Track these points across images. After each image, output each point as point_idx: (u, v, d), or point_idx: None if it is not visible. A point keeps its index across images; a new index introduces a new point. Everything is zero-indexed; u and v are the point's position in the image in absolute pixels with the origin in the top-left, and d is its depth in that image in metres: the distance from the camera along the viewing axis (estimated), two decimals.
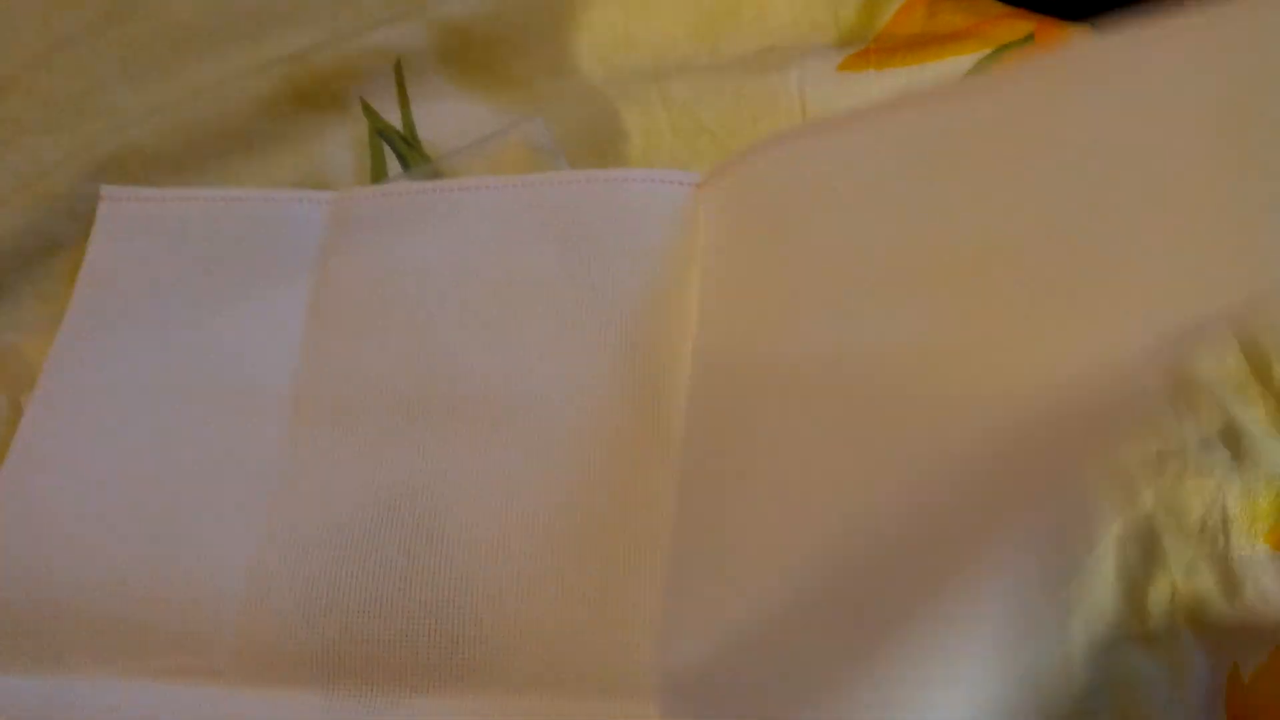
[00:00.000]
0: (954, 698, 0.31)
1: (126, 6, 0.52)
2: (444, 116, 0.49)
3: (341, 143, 0.49)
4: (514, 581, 0.37)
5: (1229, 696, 0.36)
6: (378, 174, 0.48)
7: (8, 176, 0.47)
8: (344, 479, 0.39)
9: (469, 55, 0.50)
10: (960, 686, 0.31)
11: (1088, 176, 0.30)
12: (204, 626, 0.37)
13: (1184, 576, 0.37)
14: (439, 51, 0.50)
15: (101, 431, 0.41)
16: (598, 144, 0.48)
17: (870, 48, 0.48)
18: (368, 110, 0.49)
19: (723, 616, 0.34)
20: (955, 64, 0.47)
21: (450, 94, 0.50)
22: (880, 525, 0.31)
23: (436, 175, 0.47)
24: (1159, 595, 0.37)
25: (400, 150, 0.48)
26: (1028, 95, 0.33)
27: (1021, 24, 0.47)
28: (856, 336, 0.35)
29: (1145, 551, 0.38)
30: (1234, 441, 0.39)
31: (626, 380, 0.40)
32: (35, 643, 0.37)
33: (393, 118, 0.49)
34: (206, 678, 0.37)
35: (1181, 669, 0.36)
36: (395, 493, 0.39)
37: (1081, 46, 0.36)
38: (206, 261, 0.44)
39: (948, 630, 0.31)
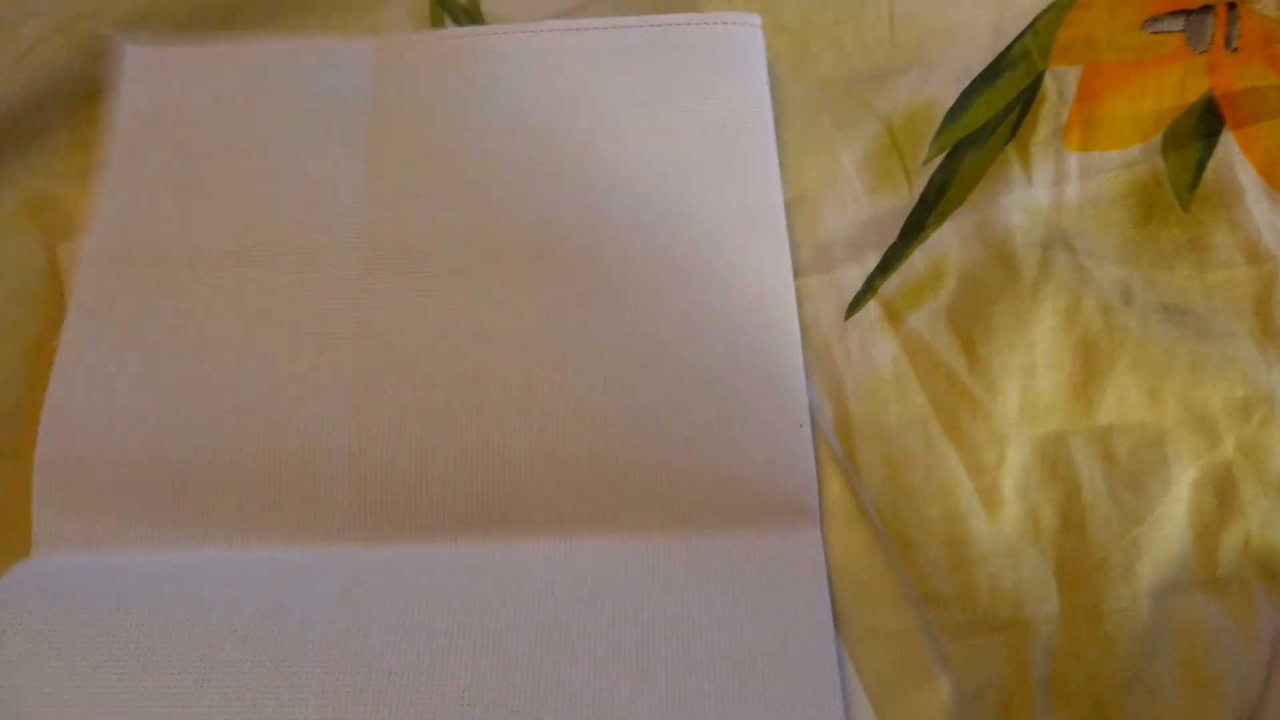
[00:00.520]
0: None
1: None
2: None
3: (401, 11, 0.46)
4: (618, 426, 0.37)
5: None
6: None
7: (47, 17, 0.45)
8: (414, 325, 0.39)
9: None
10: None
11: None
12: (317, 490, 0.36)
13: (1259, 527, 0.36)
14: None
15: (168, 294, 0.39)
16: None
17: None
18: None
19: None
20: None
21: None
22: None
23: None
24: (1231, 544, 0.36)
25: (460, 21, 0.46)
26: None
27: None
28: None
29: (1221, 499, 0.36)
30: None
31: (694, 225, 0.39)
32: (159, 518, 0.36)
33: None
34: (327, 539, 0.36)
35: (1248, 619, 0.35)
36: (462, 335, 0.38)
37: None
38: (252, 113, 0.42)
39: None
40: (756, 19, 0.42)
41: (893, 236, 0.41)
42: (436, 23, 0.46)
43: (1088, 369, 0.38)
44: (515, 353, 0.38)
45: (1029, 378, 0.38)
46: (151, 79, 0.43)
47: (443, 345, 0.38)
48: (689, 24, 0.42)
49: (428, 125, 0.41)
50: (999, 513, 0.37)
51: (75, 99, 0.44)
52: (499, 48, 0.42)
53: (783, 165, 0.42)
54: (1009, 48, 0.43)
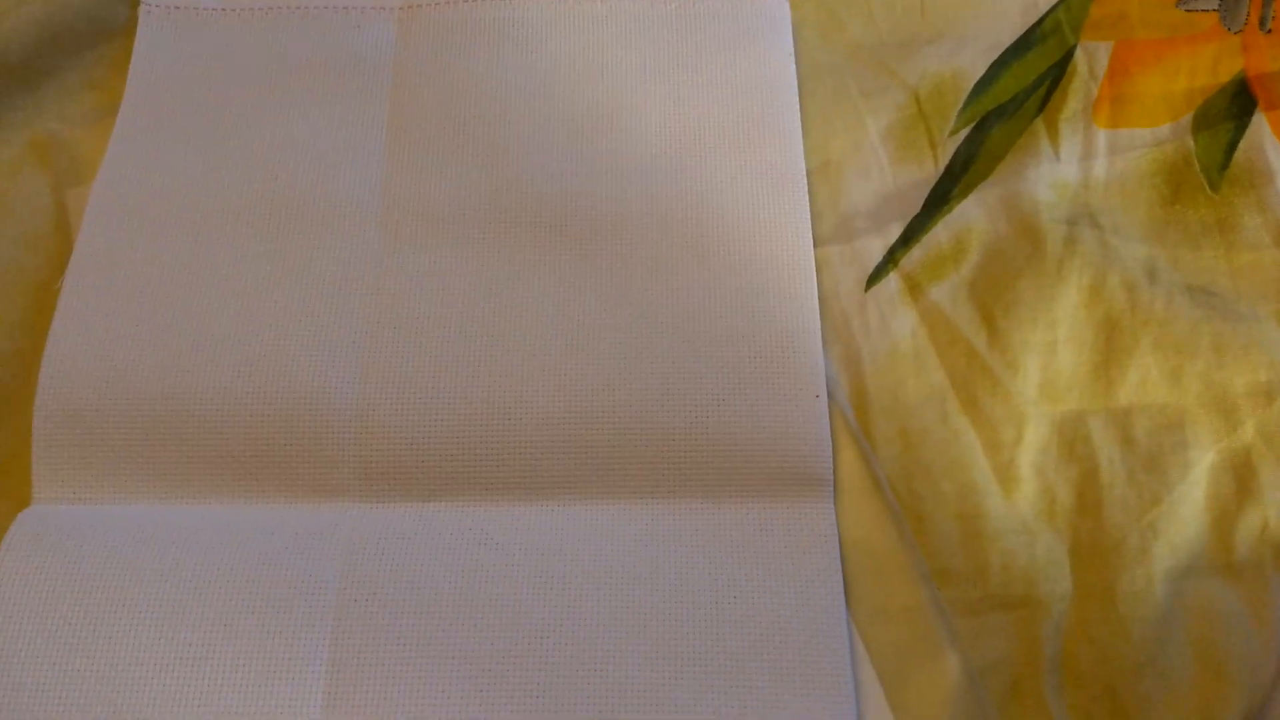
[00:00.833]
0: None
1: None
2: None
3: None
4: (632, 390, 0.36)
5: None
6: None
7: None
8: (431, 289, 0.38)
9: None
10: None
11: None
12: (323, 447, 0.36)
13: (1277, 513, 0.36)
14: None
15: (176, 246, 0.38)
16: None
17: None
18: None
19: None
20: None
21: None
22: None
23: None
24: (1249, 529, 0.36)
25: None
26: None
27: None
28: None
29: (1240, 483, 0.36)
30: None
31: (714, 195, 0.39)
32: (162, 471, 0.36)
33: None
34: (331, 495, 0.36)
35: (1263, 605, 0.35)
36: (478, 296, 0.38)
37: None
38: (271, 71, 0.41)
39: None
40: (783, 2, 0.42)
41: (916, 208, 0.40)
42: None
43: (1110, 348, 0.38)
44: (530, 318, 0.37)
45: (1050, 355, 0.38)
46: (169, 32, 0.42)
47: (456, 309, 0.38)
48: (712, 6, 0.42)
49: (449, 91, 0.41)
50: (1015, 491, 0.36)
51: (87, 39, 0.43)
52: (523, 14, 0.42)
53: (807, 133, 0.41)
54: (1040, 21, 0.43)
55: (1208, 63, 0.42)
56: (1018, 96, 0.42)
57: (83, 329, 0.37)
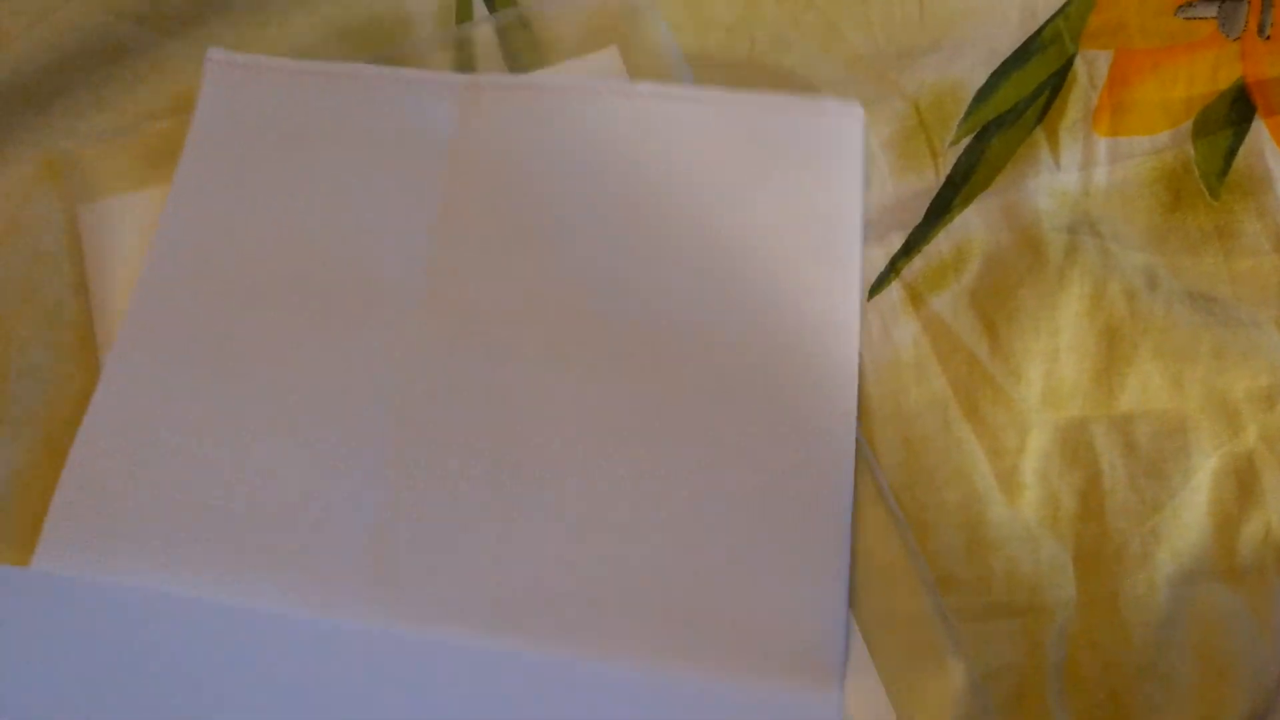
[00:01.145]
0: None
1: None
2: None
3: None
4: (648, 547, 0.35)
5: None
6: (463, 14, 0.45)
7: None
8: (459, 396, 0.38)
9: None
10: None
11: None
12: (334, 558, 0.36)
13: None
14: None
15: (218, 326, 0.38)
16: (694, 2, 0.45)
17: None
18: None
19: None
20: None
21: None
22: None
23: (523, 23, 0.44)
24: (1252, 534, 0.36)
25: (496, 7, 0.45)
26: None
27: None
28: None
29: (1243, 488, 0.36)
30: None
31: (775, 323, 0.38)
32: (168, 554, 0.36)
33: None
34: (334, 608, 0.35)
35: (1267, 610, 0.35)
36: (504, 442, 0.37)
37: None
38: (329, 139, 0.41)
39: None
40: (859, 110, 0.40)
41: (918, 218, 0.40)
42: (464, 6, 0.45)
43: (1111, 355, 0.38)
44: (558, 447, 0.37)
45: (1052, 363, 0.38)
46: (232, 89, 0.42)
47: (486, 426, 0.37)
48: (790, 107, 0.40)
49: (505, 178, 0.40)
50: (1018, 498, 0.36)
51: (98, 59, 0.43)
52: (589, 105, 0.41)
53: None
54: (1040, 30, 0.43)
55: (1207, 70, 0.42)
56: (1018, 106, 0.42)
57: (121, 404, 0.37)
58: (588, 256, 0.39)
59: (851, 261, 0.38)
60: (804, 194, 0.39)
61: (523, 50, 0.44)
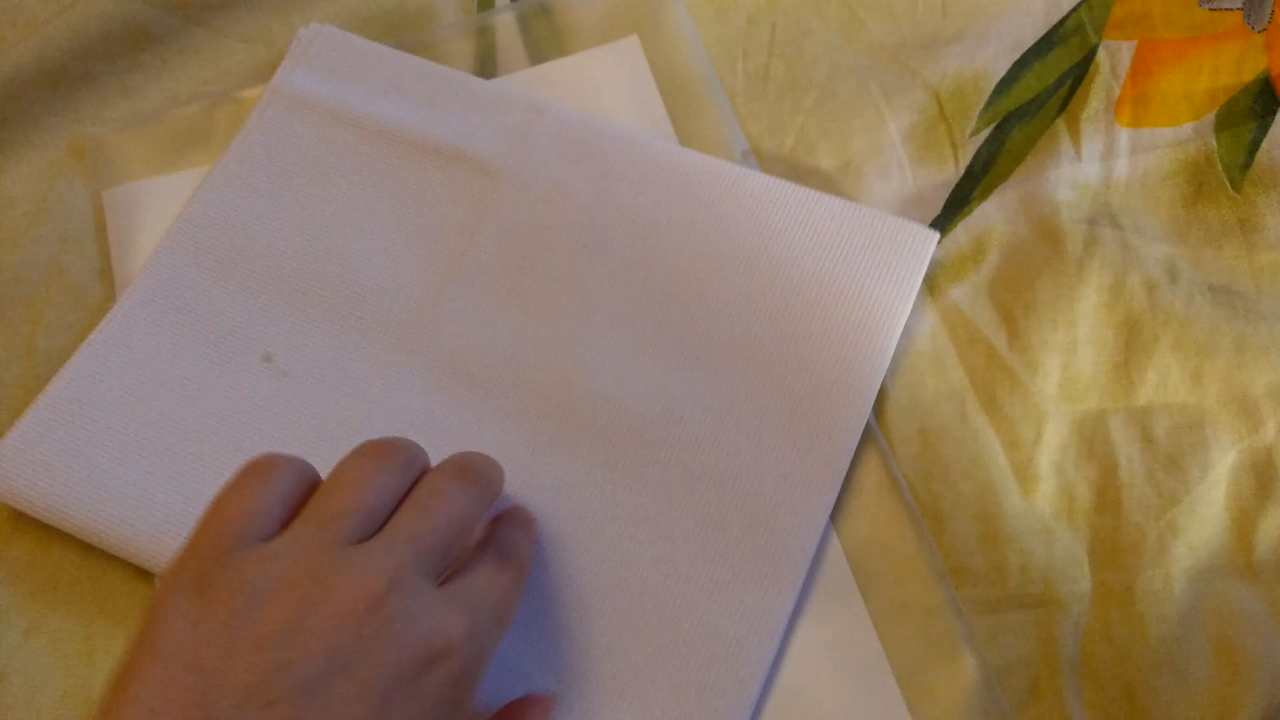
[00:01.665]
0: None
1: None
2: None
3: None
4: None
5: None
6: (484, 2, 0.45)
7: None
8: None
9: None
10: None
11: None
12: None
13: None
14: None
15: (228, 293, 0.39)
16: None
17: None
18: None
19: None
20: None
21: None
22: None
23: (544, 10, 0.44)
24: (1269, 530, 0.35)
25: None
26: None
27: None
28: None
29: (1261, 484, 0.36)
30: None
31: (801, 429, 0.37)
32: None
33: None
34: None
35: None
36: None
37: None
38: (387, 140, 0.41)
39: None
40: (935, 237, 0.39)
41: (937, 209, 0.40)
42: None
43: (1130, 347, 0.38)
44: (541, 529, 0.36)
45: (1070, 355, 0.38)
46: (316, 61, 0.42)
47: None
48: (873, 219, 0.39)
49: (543, 216, 0.40)
50: (1033, 490, 0.36)
51: (125, 46, 0.44)
52: (649, 156, 0.41)
53: (829, 133, 0.41)
54: (1062, 20, 0.43)
55: (1231, 62, 0.41)
56: (1039, 96, 0.42)
57: (113, 356, 0.38)
58: (608, 319, 0.38)
59: (884, 354, 0.37)
60: (858, 295, 0.38)
61: (543, 38, 0.44)
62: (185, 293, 0.39)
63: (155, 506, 0.35)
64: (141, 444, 0.36)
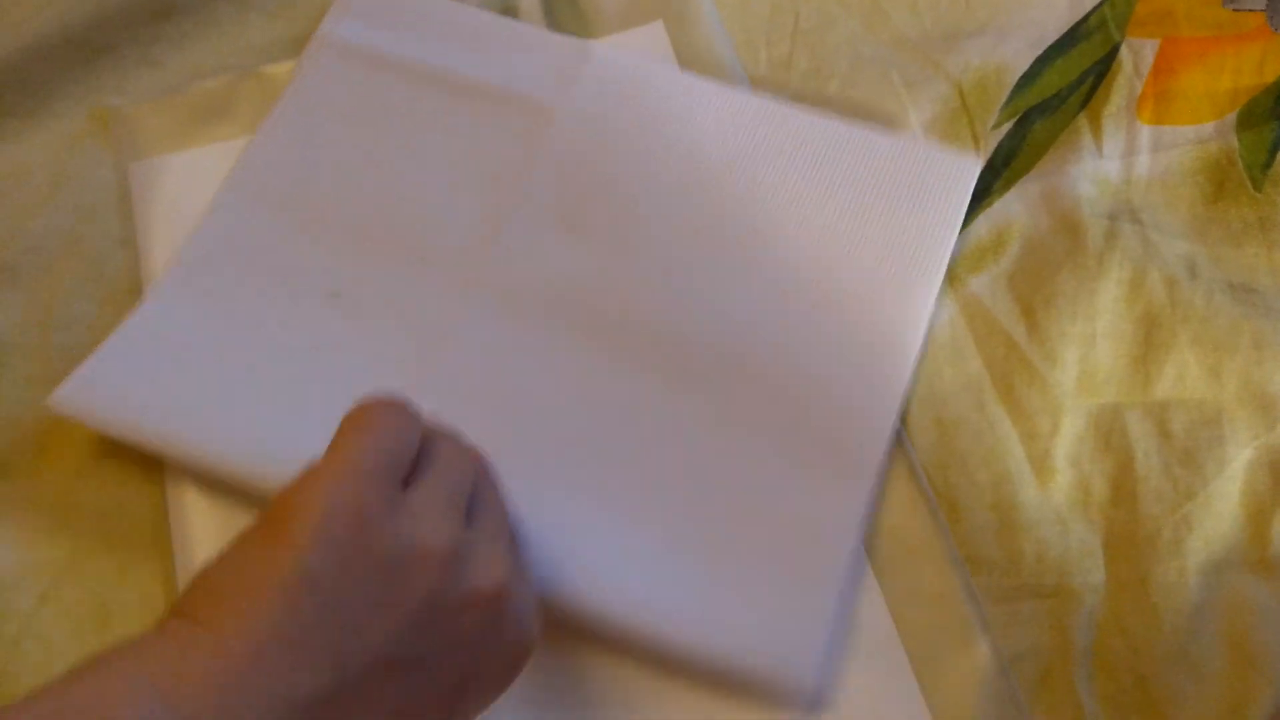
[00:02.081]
0: None
1: None
2: None
3: None
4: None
5: None
6: None
7: None
8: (495, 380, 0.38)
9: None
10: None
11: None
12: None
13: None
14: None
15: (296, 250, 0.39)
16: None
17: None
18: None
19: None
20: None
21: None
22: None
23: None
24: None
25: None
26: None
27: None
28: None
29: (1276, 481, 0.36)
30: None
31: (837, 336, 0.38)
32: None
33: None
34: None
35: None
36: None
37: None
38: (435, 83, 0.42)
39: None
40: (977, 164, 0.40)
41: None
42: None
43: (1149, 342, 0.38)
44: (585, 447, 0.36)
45: (1088, 348, 0.38)
46: (355, 16, 0.43)
47: (507, 400, 0.37)
48: (916, 150, 0.40)
49: (596, 158, 0.40)
50: (1050, 481, 0.36)
51: (147, 17, 0.44)
52: (698, 101, 0.41)
53: (850, 122, 0.41)
54: (1086, 16, 0.43)
55: (1253, 62, 0.41)
56: (1061, 92, 0.42)
57: (189, 286, 0.38)
58: (662, 246, 0.39)
59: (927, 298, 0.38)
60: (902, 223, 0.39)
61: (568, 22, 0.44)
62: (251, 234, 0.39)
63: (231, 428, 0.36)
64: (216, 374, 0.37)
